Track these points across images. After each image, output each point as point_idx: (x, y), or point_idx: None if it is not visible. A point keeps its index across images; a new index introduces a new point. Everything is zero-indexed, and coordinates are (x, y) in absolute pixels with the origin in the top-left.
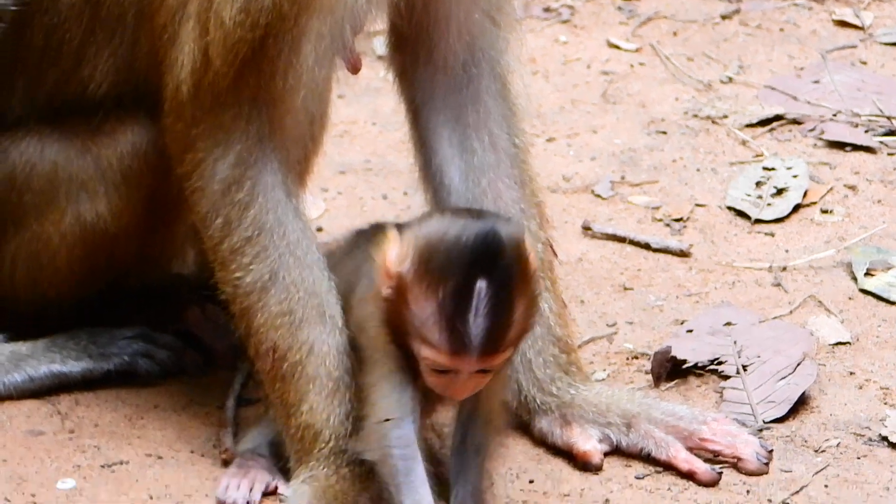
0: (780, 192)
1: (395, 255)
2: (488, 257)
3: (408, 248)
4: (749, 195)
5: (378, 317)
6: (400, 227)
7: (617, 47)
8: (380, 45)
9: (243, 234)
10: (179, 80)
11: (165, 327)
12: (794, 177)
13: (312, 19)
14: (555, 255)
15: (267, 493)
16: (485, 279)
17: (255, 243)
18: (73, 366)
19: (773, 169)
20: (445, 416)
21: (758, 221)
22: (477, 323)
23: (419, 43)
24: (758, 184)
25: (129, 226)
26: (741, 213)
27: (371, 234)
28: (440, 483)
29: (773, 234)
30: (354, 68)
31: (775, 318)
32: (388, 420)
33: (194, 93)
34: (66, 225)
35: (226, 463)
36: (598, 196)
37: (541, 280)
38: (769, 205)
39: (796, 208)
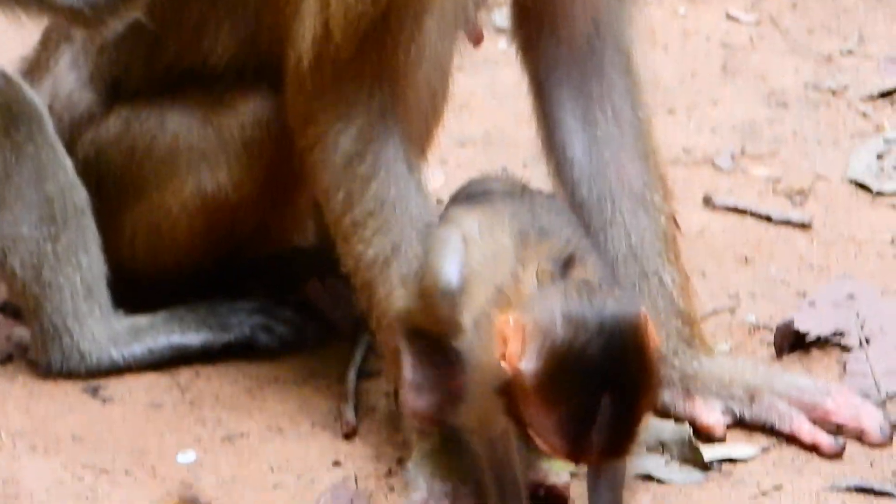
0: None
1: (514, 349)
2: (615, 369)
3: (528, 345)
4: (870, 167)
5: (491, 386)
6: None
7: (736, 20)
8: (499, 17)
9: (365, 207)
10: (301, 53)
11: (285, 299)
12: None
13: None
14: (678, 227)
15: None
16: (610, 394)
17: (377, 217)
18: (193, 338)
19: (894, 141)
20: None
21: (879, 194)
22: (600, 434)
23: (543, 16)
24: (879, 156)
25: (250, 197)
26: (862, 186)
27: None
28: None
29: (894, 207)
30: (477, 41)
31: None
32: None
33: (315, 66)
34: (187, 195)
35: (346, 436)
36: (719, 168)
37: (661, 356)
38: (891, 177)
39: None
